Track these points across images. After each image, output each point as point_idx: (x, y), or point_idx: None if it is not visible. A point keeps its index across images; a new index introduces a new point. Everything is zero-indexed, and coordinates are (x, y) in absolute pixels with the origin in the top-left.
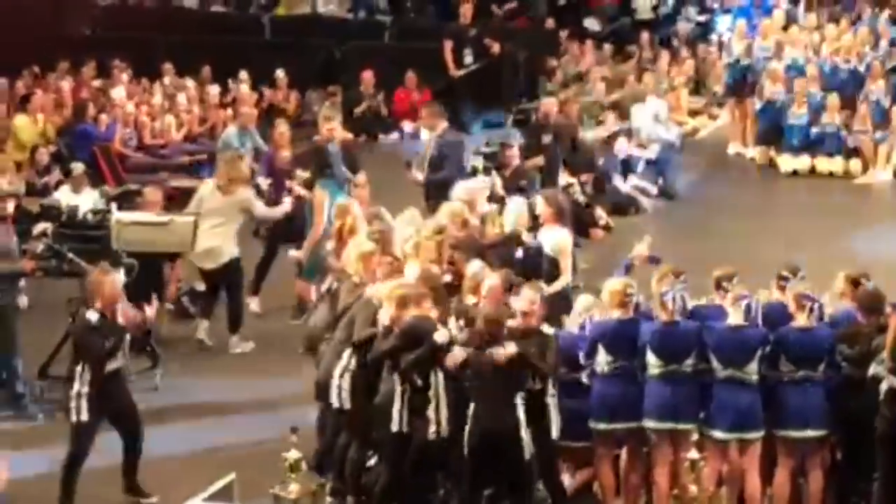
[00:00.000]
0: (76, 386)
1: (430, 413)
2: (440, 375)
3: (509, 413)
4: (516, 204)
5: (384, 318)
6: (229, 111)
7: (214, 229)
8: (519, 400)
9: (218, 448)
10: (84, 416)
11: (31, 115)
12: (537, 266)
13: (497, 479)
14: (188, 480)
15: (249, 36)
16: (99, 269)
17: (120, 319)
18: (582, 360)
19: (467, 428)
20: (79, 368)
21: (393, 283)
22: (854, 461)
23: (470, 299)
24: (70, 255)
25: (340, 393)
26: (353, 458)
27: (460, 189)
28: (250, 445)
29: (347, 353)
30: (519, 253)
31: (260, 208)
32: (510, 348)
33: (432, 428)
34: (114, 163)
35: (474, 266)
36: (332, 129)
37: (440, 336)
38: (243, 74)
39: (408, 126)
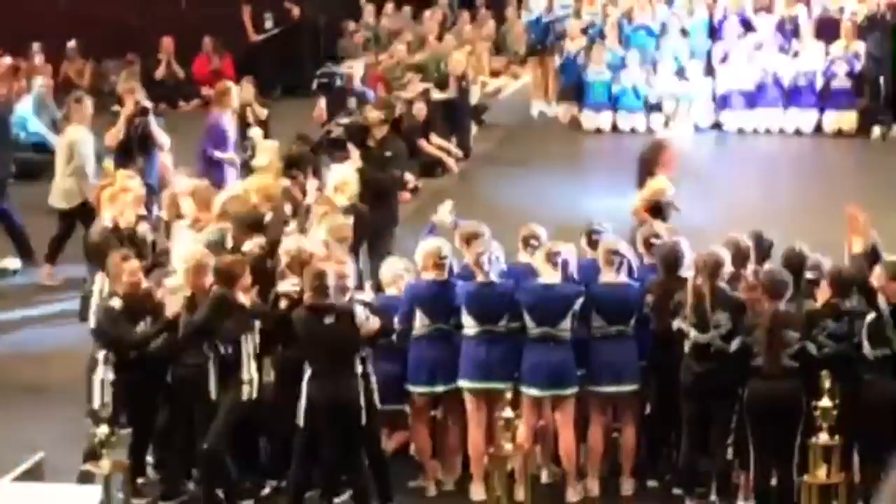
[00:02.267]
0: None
1: (244, 375)
2: (249, 339)
3: (351, 382)
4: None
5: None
6: (23, 83)
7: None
8: (358, 368)
9: (23, 427)
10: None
11: None
12: None
13: (331, 445)
14: None
15: (43, 7)
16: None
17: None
18: (397, 323)
19: (302, 397)
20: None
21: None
22: (664, 412)
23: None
24: None
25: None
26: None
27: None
28: (59, 423)
29: None
30: None
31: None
32: (374, 322)
33: (245, 389)
34: None
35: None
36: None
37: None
38: (36, 46)
39: (207, 91)
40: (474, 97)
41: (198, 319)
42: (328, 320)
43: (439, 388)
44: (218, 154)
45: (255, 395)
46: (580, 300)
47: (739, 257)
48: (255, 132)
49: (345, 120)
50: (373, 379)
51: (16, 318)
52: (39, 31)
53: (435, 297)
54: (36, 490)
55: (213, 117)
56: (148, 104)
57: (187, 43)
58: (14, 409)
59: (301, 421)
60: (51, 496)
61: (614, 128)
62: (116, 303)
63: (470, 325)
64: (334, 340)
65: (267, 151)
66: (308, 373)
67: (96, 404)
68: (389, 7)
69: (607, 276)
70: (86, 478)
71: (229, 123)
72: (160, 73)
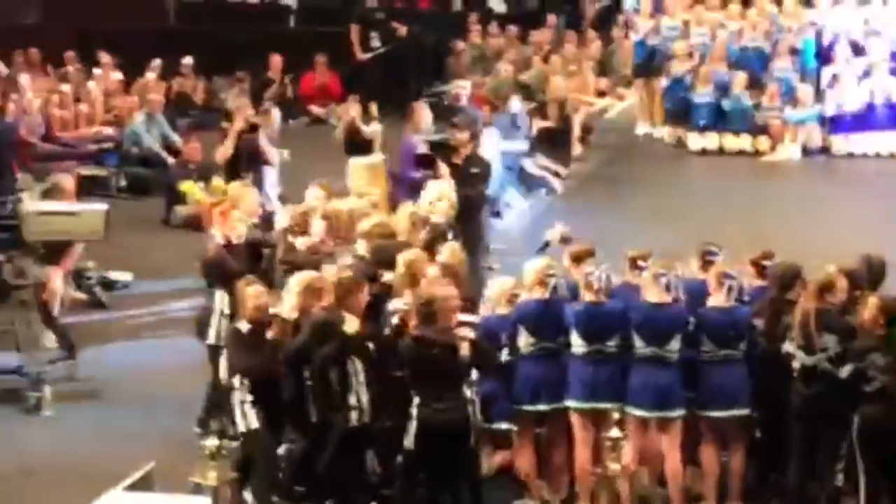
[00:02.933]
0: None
1: (353, 400)
2: (357, 364)
3: (459, 406)
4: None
5: (288, 309)
6: (135, 99)
7: None
8: (466, 393)
9: (136, 436)
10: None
11: None
12: None
13: (440, 467)
14: (106, 470)
15: (155, 23)
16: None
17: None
18: (503, 340)
19: (413, 421)
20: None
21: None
22: (773, 437)
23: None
24: None
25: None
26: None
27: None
28: (169, 433)
29: None
30: None
31: None
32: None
33: (354, 415)
34: (20, 152)
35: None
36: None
37: (350, 326)
38: (155, 62)
39: (316, 109)
40: (577, 121)
41: (297, 343)
42: (436, 351)
43: (544, 407)
44: (415, 175)
45: (365, 419)
46: (690, 322)
47: (853, 281)
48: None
49: (434, 137)
50: (476, 401)
51: (127, 328)
52: (150, 48)
53: (540, 316)
54: (146, 499)
55: (406, 140)
56: (263, 119)
57: (296, 60)
58: (126, 419)
59: (410, 444)
60: None
61: (721, 150)
62: (244, 326)
63: (578, 345)
64: (442, 371)
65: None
66: (417, 399)
67: (240, 427)
68: (496, 26)
69: (717, 300)
70: (196, 489)
71: (420, 145)
72: (269, 92)
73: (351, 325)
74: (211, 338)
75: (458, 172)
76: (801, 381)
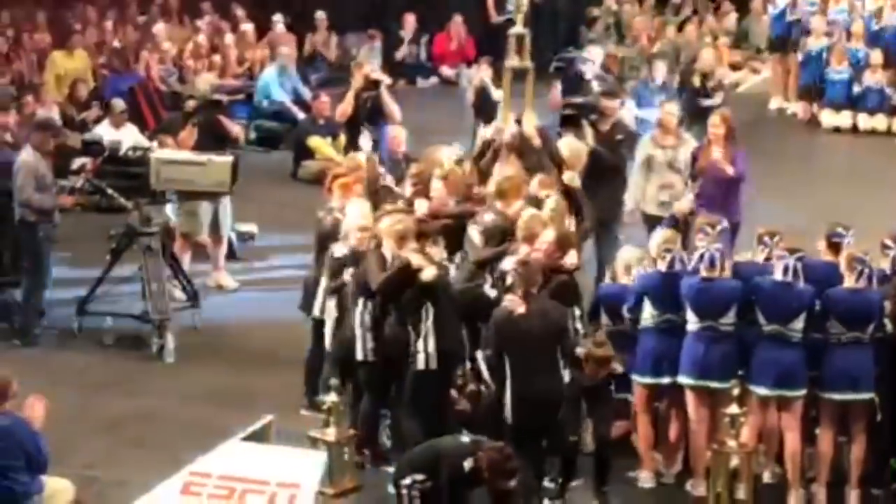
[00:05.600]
0: None
1: (420, 344)
2: (430, 311)
3: (555, 380)
4: None
5: (387, 253)
6: (266, 51)
7: None
8: (562, 365)
9: (256, 389)
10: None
11: (68, 51)
12: None
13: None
14: (224, 420)
15: None
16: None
17: None
18: (625, 312)
19: (508, 395)
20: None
21: (391, 219)
22: (894, 421)
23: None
24: (110, 190)
25: (365, 344)
26: (365, 410)
27: None
28: (287, 386)
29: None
30: None
31: None
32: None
33: (421, 358)
34: (153, 99)
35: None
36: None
37: (428, 274)
38: (278, 16)
39: (447, 70)
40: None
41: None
42: (528, 322)
43: (664, 381)
44: None
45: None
46: (815, 302)
47: None
48: None
49: (579, 99)
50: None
51: (252, 280)
52: (283, 1)
53: (663, 288)
54: (263, 450)
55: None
56: (382, 77)
57: (429, 18)
58: (246, 371)
59: (509, 418)
60: (275, 458)
61: (854, 128)
62: None
63: (692, 321)
64: (534, 340)
65: None
66: (509, 370)
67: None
68: None
69: (849, 282)
70: (313, 443)
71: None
72: (401, 50)
73: (429, 273)
74: (316, 311)
75: (603, 138)
76: None
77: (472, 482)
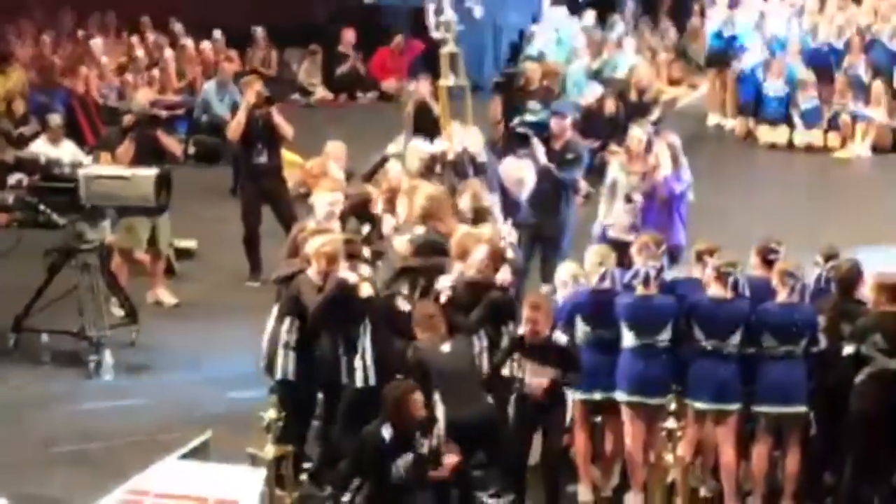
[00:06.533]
0: None
1: (357, 362)
2: (368, 327)
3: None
4: None
5: (313, 275)
6: (201, 68)
7: None
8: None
9: (193, 406)
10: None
11: (2, 70)
12: None
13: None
14: (162, 437)
15: None
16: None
17: None
18: (559, 328)
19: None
20: None
21: (319, 240)
22: (828, 436)
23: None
24: (42, 206)
25: (287, 363)
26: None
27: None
28: (226, 403)
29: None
30: None
31: None
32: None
33: (359, 375)
34: (92, 116)
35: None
36: None
37: (366, 290)
38: (217, 33)
39: (386, 86)
40: (655, 112)
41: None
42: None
43: (597, 396)
44: None
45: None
46: (750, 317)
47: None
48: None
49: (531, 118)
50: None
51: (191, 296)
52: (223, 17)
53: (594, 305)
54: (201, 468)
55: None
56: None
57: (367, 34)
58: (184, 388)
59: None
60: (214, 475)
61: (790, 144)
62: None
63: (628, 338)
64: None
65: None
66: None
67: None
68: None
69: (781, 297)
70: (252, 460)
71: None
72: (343, 66)
73: (365, 289)
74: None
75: (554, 156)
76: (876, 383)
77: (398, 444)
